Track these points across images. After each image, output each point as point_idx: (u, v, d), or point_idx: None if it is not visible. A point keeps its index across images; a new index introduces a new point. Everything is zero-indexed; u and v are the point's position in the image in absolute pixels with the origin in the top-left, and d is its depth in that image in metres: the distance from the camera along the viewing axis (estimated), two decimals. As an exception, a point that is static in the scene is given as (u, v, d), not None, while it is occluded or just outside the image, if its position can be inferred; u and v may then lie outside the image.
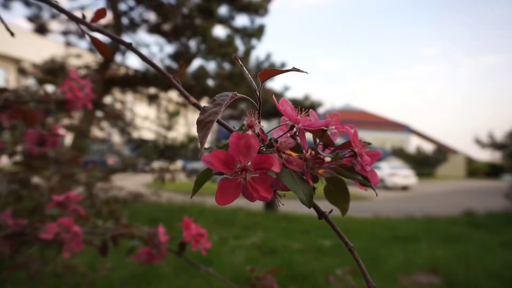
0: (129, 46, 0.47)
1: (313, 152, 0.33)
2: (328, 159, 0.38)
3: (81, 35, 6.55)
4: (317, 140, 0.37)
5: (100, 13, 0.52)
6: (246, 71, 0.30)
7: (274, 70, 0.30)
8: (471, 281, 3.31)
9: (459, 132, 61.42)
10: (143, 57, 0.44)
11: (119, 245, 0.94)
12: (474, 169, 25.64)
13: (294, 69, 0.30)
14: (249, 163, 0.28)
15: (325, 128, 0.35)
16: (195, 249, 0.94)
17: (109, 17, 6.64)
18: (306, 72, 0.30)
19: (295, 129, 0.32)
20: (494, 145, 8.74)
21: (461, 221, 6.79)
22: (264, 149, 0.31)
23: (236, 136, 0.28)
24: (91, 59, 6.86)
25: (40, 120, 0.95)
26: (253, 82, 0.30)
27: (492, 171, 23.34)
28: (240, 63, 0.30)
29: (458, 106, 70.13)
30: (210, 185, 0.41)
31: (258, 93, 0.31)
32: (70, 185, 1.69)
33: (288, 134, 0.38)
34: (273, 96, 0.31)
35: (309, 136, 0.36)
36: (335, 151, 0.37)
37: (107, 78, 5.78)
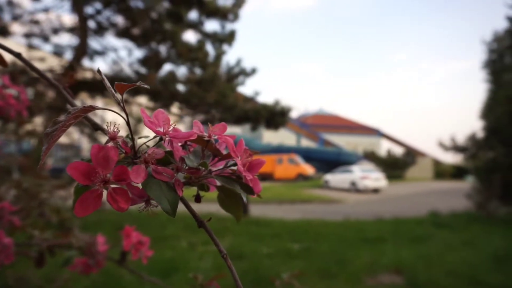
0: (18, 56, 0.46)
1: (184, 162, 0.34)
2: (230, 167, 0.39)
3: (45, 37, 6.30)
4: (205, 150, 0.38)
5: None
6: (108, 83, 0.31)
7: (126, 85, 0.31)
8: (432, 280, 3.43)
9: (427, 135, 63.81)
10: (33, 68, 0.43)
11: (55, 256, 0.91)
12: (441, 171, 26.66)
13: (140, 84, 0.31)
14: (109, 175, 0.29)
15: (207, 138, 0.36)
16: (135, 258, 0.92)
17: (74, 19, 6.47)
18: (147, 87, 0.31)
19: (166, 140, 0.33)
20: (456, 148, 9.14)
21: (426, 221, 7.04)
22: (129, 161, 0.32)
23: (96, 148, 0.29)
24: (56, 62, 6.64)
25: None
26: (115, 94, 0.30)
27: (458, 172, 24.34)
28: (103, 75, 0.31)
29: (426, 110, 72.86)
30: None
31: (122, 105, 0.31)
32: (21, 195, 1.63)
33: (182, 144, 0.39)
34: (142, 109, 0.32)
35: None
36: (222, 161, 0.38)
37: (72, 83, 5.61)
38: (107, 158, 0.28)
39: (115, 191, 0.29)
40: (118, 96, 0.31)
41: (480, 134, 8.81)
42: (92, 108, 0.29)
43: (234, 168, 0.37)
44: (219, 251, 0.38)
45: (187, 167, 0.34)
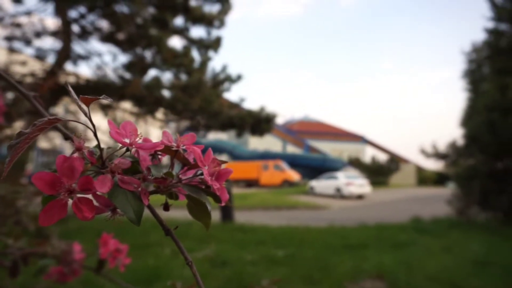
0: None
1: (150, 171, 0.35)
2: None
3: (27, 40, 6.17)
4: (173, 159, 0.39)
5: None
6: (74, 95, 0.31)
7: (91, 98, 0.31)
8: (412, 285, 3.49)
9: (410, 142, 65.11)
10: (1, 77, 0.43)
11: (30, 265, 0.89)
12: (423, 178, 27.20)
13: (104, 97, 0.32)
14: (74, 184, 0.29)
15: (176, 148, 0.37)
16: (112, 266, 0.92)
17: (57, 23, 6.38)
18: (111, 100, 0.32)
19: (133, 150, 0.34)
20: (437, 155, 9.36)
21: (409, 227, 7.15)
22: (96, 171, 0.32)
23: (61, 159, 0.29)
24: (38, 66, 6.53)
25: None
26: (82, 105, 0.31)
27: (440, 179, 24.89)
28: (69, 88, 0.31)
29: (409, 117, 74.36)
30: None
31: (88, 117, 0.32)
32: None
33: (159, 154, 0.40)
34: (109, 120, 0.32)
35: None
36: (193, 170, 0.39)
37: (54, 87, 5.52)
38: (72, 168, 0.29)
39: (80, 201, 0.30)
40: (84, 108, 0.32)
41: (460, 141, 9.06)
42: (57, 120, 0.30)
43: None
44: (184, 258, 0.39)
45: (153, 177, 0.35)
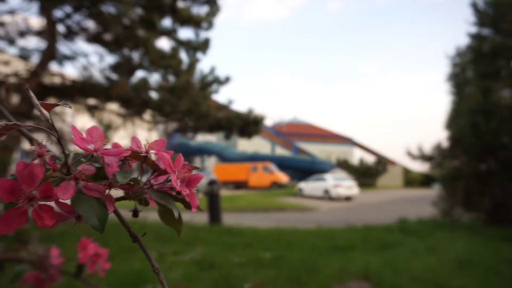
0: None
1: (115, 177, 0.34)
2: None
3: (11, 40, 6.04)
4: (143, 165, 0.39)
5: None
6: (36, 101, 0.31)
7: (52, 104, 0.31)
8: (397, 285, 3.53)
9: (397, 144, 65.91)
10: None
11: (6, 271, 0.87)
12: (410, 179, 27.58)
13: (64, 103, 0.31)
14: (35, 192, 0.29)
15: (145, 154, 0.37)
16: (92, 271, 0.90)
17: (42, 22, 6.27)
18: (70, 107, 0.32)
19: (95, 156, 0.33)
20: (423, 157, 9.52)
21: (395, 228, 7.23)
22: (60, 177, 0.32)
23: (21, 165, 0.29)
24: (22, 66, 6.41)
25: None
26: (43, 111, 0.31)
27: (426, 180, 25.27)
28: (31, 93, 0.31)
29: (396, 119, 75.38)
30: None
31: (50, 122, 0.32)
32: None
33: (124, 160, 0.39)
34: (73, 126, 0.32)
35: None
36: (164, 175, 0.39)
37: (39, 88, 5.42)
38: (32, 175, 0.29)
39: (40, 208, 0.29)
40: (46, 113, 0.31)
41: (445, 143, 9.22)
42: (16, 126, 0.29)
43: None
44: (151, 265, 0.38)
45: (120, 183, 0.34)
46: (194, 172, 0.41)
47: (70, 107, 0.32)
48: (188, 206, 0.39)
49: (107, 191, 0.33)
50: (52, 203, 0.31)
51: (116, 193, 0.38)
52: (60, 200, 0.31)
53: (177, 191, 0.39)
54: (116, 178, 0.34)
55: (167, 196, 0.37)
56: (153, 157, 0.39)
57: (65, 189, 0.30)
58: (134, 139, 0.38)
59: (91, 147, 0.33)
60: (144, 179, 0.39)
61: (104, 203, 0.32)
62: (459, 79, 9.32)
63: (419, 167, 22.95)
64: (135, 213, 0.39)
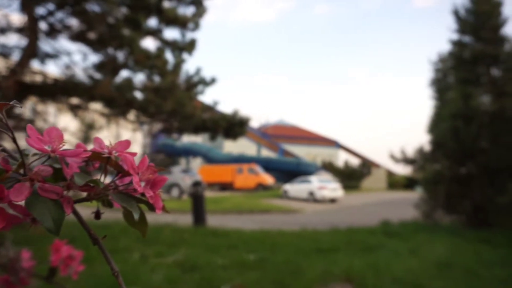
0: None
1: (74, 178, 0.33)
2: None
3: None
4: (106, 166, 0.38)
5: None
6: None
7: (4, 104, 0.30)
8: (379, 287, 3.57)
9: (381, 147, 66.88)
10: None
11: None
12: (394, 182, 28.04)
13: (15, 103, 0.30)
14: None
15: (107, 155, 0.36)
16: (65, 274, 0.88)
17: (23, 19, 6.13)
18: (21, 106, 0.31)
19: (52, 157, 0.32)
20: (406, 160, 9.70)
21: (378, 231, 7.32)
22: (15, 179, 0.31)
23: (-28, 167, 0.28)
24: (1, 64, 6.24)
25: None
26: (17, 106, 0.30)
27: (410, 183, 25.73)
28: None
29: (381, 123, 76.55)
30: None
31: (4, 122, 0.30)
32: None
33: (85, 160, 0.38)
34: (29, 126, 0.31)
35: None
36: (126, 177, 0.38)
37: (18, 86, 5.29)
38: (-18, 177, 0.28)
39: (-9, 210, 0.28)
40: (-1, 114, 0.30)
41: (427, 147, 9.41)
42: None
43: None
44: (111, 268, 0.37)
45: (79, 185, 0.33)
46: (166, 174, 0.40)
47: (21, 107, 0.31)
48: (151, 208, 0.38)
49: (65, 192, 0.32)
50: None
51: (81, 194, 0.37)
52: (13, 202, 0.29)
53: (142, 193, 0.38)
54: (75, 179, 0.33)
55: (129, 198, 0.36)
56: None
57: (19, 191, 0.29)
58: (97, 140, 0.37)
59: (48, 147, 0.32)
60: (112, 180, 0.38)
61: (61, 205, 0.31)
62: (441, 85, 9.54)
63: (403, 170, 23.38)
64: (97, 215, 0.38)
